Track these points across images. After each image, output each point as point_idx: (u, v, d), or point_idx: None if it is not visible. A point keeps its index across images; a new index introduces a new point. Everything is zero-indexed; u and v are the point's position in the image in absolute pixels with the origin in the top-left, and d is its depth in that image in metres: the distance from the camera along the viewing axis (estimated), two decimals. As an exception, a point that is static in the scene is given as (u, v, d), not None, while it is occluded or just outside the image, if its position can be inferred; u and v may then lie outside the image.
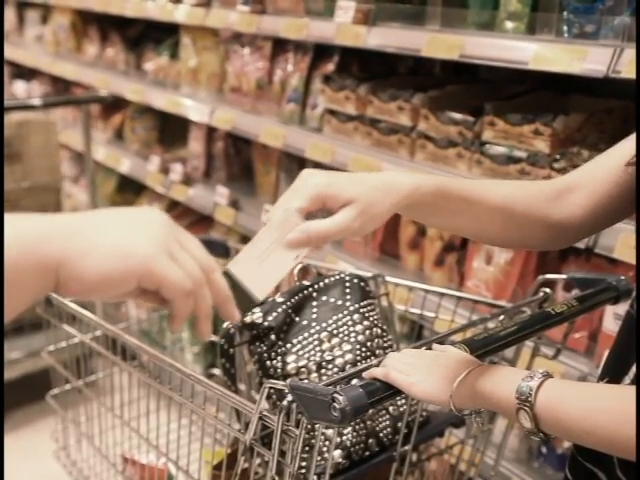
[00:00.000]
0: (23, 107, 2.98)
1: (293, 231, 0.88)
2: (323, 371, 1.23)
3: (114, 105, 3.50)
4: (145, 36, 3.51)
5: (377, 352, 1.27)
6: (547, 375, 0.87)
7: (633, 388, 0.81)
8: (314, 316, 1.29)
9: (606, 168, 1.03)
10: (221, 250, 1.76)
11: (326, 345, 1.25)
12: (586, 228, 1.06)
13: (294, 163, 2.63)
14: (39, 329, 2.73)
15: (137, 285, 0.69)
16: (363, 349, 1.26)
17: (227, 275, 0.87)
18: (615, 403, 0.82)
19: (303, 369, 1.23)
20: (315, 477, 1.09)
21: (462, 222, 1.01)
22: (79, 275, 0.67)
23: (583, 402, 0.84)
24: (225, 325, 1.27)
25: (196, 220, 3.18)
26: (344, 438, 1.19)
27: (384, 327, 1.32)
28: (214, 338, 1.68)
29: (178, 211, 3.27)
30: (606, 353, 1.08)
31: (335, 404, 0.87)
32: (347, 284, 1.33)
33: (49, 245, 0.67)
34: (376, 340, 1.28)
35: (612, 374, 1.00)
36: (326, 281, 1.33)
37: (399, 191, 0.92)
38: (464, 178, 1.55)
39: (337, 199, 0.90)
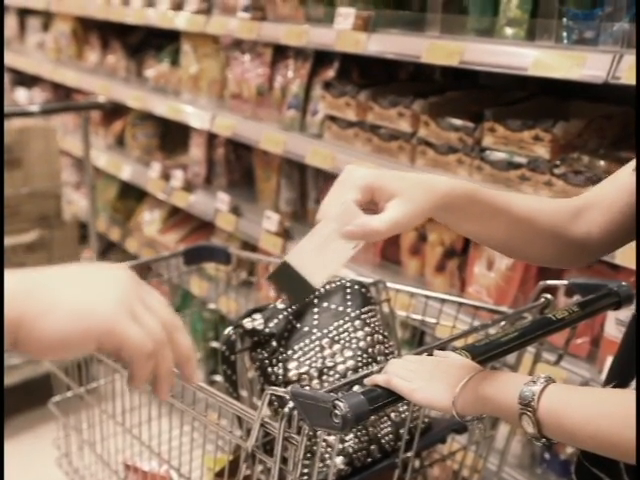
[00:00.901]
0: (22, 114, 2.99)
1: (351, 224, 0.89)
2: (324, 377, 1.23)
3: (115, 112, 3.51)
4: (146, 43, 3.52)
5: (378, 358, 1.27)
6: (550, 380, 0.87)
7: (635, 392, 0.81)
8: (315, 322, 1.29)
9: (619, 184, 1.04)
10: (222, 256, 1.76)
11: (327, 351, 1.25)
12: (604, 246, 1.06)
13: (295, 169, 2.64)
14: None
15: (97, 345, 0.68)
16: (364, 355, 1.26)
17: (286, 265, 0.89)
18: (618, 407, 0.82)
19: (304, 376, 1.23)
20: (317, 484, 1.08)
21: (490, 230, 1.00)
22: (38, 335, 0.66)
23: (586, 407, 0.84)
24: (226, 332, 1.27)
25: (197, 226, 3.18)
26: (346, 445, 1.19)
27: (385, 333, 1.32)
28: (215, 345, 1.68)
29: (179, 217, 3.28)
30: (609, 358, 1.09)
31: (336, 411, 0.87)
32: (348, 290, 1.33)
33: (10, 302, 0.65)
34: (377, 346, 1.28)
35: (619, 379, 1.00)
36: (327, 287, 1.33)
37: (437, 190, 0.93)
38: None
39: (383, 191, 0.90)
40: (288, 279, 0.89)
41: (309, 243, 0.90)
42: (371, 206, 0.92)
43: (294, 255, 0.90)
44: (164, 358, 0.72)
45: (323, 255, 0.90)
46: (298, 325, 1.28)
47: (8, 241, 2.91)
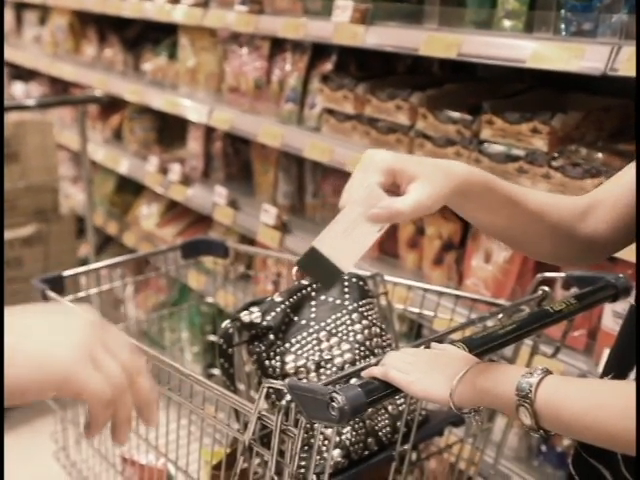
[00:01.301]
0: (18, 107, 2.99)
1: (376, 207, 0.90)
2: (322, 370, 1.23)
3: (112, 106, 3.50)
4: (143, 37, 3.51)
5: (376, 351, 1.27)
6: (547, 372, 0.87)
7: (633, 383, 0.81)
8: (313, 315, 1.29)
9: (623, 181, 1.04)
10: (220, 250, 1.76)
11: (325, 344, 1.25)
12: (611, 244, 1.06)
13: (292, 163, 2.63)
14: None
15: (57, 392, 0.68)
16: (362, 348, 1.26)
17: (314, 251, 0.90)
18: (615, 399, 0.82)
19: (302, 368, 1.23)
20: (314, 477, 1.09)
21: (503, 222, 1.00)
22: None
23: (583, 398, 0.84)
24: (224, 325, 1.27)
25: (195, 220, 3.18)
26: (343, 437, 1.19)
27: (383, 326, 1.32)
28: (213, 338, 1.68)
29: (177, 211, 3.27)
30: (606, 350, 1.09)
31: (334, 403, 0.87)
32: (346, 283, 1.33)
33: None
34: (375, 339, 1.28)
35: (616, 370, 1.00)
36: (325, 280, 1.33)
37: (456, 174, 0.93)
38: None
39: (404, 173, 0.91)
40: (316, 265, 0.90)
41: (335, 228, 0.91)
42: (393, 188, 0.92)
43: (321, 240, 0.91)
44: (123, 404, 0.71)
45: (350, 239, 0.91)
46: (295, 318, 1.28)
47: (5, 235, 2.91)
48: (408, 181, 0.91)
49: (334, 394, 0.87)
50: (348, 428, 1.19)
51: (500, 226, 1.02)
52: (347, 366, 1.23)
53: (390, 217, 0.90)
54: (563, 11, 1.61)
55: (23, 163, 3.01)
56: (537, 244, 1.06)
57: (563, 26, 1.62)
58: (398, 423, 1.23)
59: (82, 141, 2.96)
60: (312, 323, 1.28)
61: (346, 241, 0.91)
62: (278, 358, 1.24)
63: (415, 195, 0.90)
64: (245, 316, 1.27)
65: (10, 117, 2.96)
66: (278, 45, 2.58)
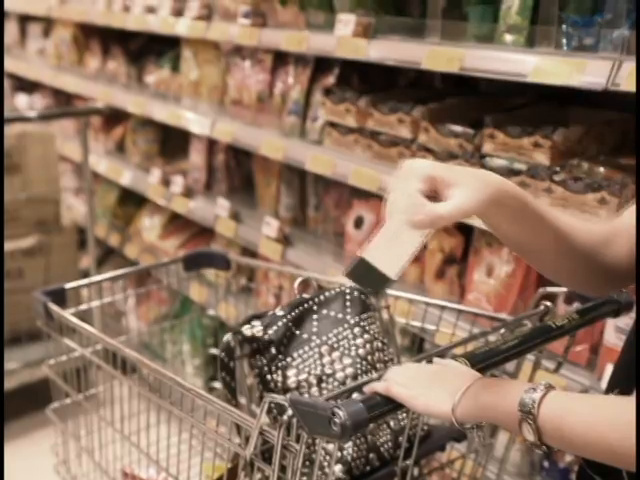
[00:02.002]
0: (19, 119, 3.00)
1: (419, 213, 0.92)
2: (324, 385, 1.23)
3: (115, 118, 3.52)
4: (146, 49, 3.53)
5: (378, 366, 1.26)
6: (550, 387, 0.87)
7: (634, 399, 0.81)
8: (314, 329, 1.28)
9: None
10: (222, 262, 1.76)
11: (326, 359, 1.25)
12: (631, 277, 1.05)
13: (295, 175, 2.64)
14: (36, 340, 2.74)
15: None
16: (364, 363, 1.25)
17: (361, 260, 0.94)
18: (619, 414, 0.82)
19: (303, 383, 1.23)
20: (316, 492, 1.08)
21: (531, 238, 1.00)
22: None
23: (586, 414, 0.84)
24: (225, 338, 1.27)
25: (197, 232, 3.18)
26: (345, 453, 1.19)
27: (385, 340, 1.32)
28: (215, 351, 1.68)
29: (179, 223, 3.27)
30: (609, 366, 1.08)
31: (335, 419, 0.87)
32: (347, 297, 1.33)
33: None
34: (377, 354, 1.28)
35: (620, 386, 0.99)
36: (326, 294, 1.33)
37: (492, 183, 0.95)
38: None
39: (443, 180, 0.93)
40: (366, 274, 0.94)
41: (381, 237, 0.95)
42: (432, 195, 0.94)
43: (368, 250, 0.95)
44: None
45: (395, 246, 0.94)
46: (297, 332, 1.28)
47: (6, 246, 2.91)
48: (447, 188, 0.93)
49: (336, 409, 0.87)
50: (350, 443, 1.19)
51: (526, 241, 1.02)
52: (349, 380, 1.22)
53: (432, 222, 0.92)
54: (564, 26, 1.62)
55: (25, 174, 3.02)
56: (559, 265, 1.05)
57: (564, 41, 1.62)
58: (400, 438, 1.23)
59: (84, 153, 2.97)
60: (314, 337, 1.27)
61: (392, 249, 0.94)
62: (280, 372, 1.24)
63: (455, 201, 0.92)
64: (247, 329, 1.26)
65: (12, 128, 2.97)
66: (281, 58, 2.59)
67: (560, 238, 1.01)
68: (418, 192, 0.93)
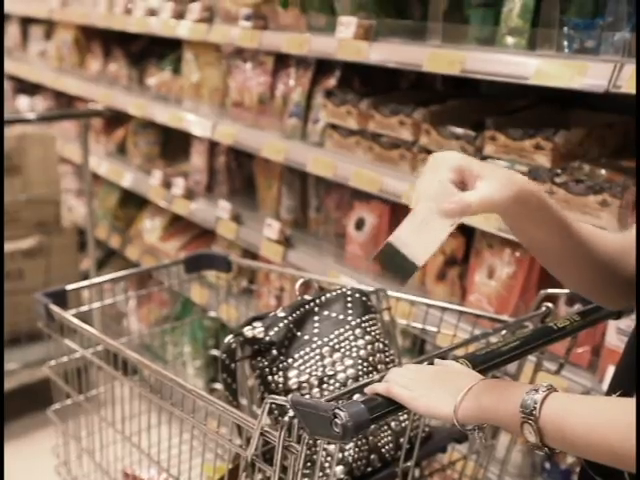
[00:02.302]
0: (19, 121, 3.01)
1: (449, 202, 0.93)
2: (325, 386, 1.23)
3: (117, 120, 3.52)
4: (148, 51, 3.53)
5: (379, 367, 1.27)
6: (551, 388, 0.87)
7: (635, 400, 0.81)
8: (316, 331, 1.28)
9: None
10: (223, 264, 1.76)
11: (328, 360, 1.25)
12: None
13: (296, 177, 2.64)
14: (36, 340, 2.75)
15: None
16: (365, 364, 1.25)
17: (389, 246, 0.95)
18: (620, 416, 0.82)
19: (305, 384, 1.23)
20: (317, 493, 1.08)
21: (552, 241, 1.01)
22: None
23: (588, 415, 0.84)
24: (227, 340, 1.27)
25: (198, 234, 3.18)
26: (346, 454, 1.19)
27: (386, 342, 1.32)
28: (216, 353, 1.68)
29: (180, 225, 3.28)
30: (610, 367, 1.08)
31: (337, 420, 0.87)
32: (349, 298, 1.33)
33: None
34: (378, 355, 1.28)
35: (625, 386, 0.99)
36: (328, 296, 1.33)
37: (518, 181, 0.95)
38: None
39: (472, 172, 0.95)
40: (392, 259, 0.95)
41: (410, 224, 0.96)
42: (461, 186, 0.95)
43: (397, 236, 0.96)
44: None
45: (424, 234, 0.95)
46: (298, 333, 1.28)
47: (6, 247, 2.92)
48: (476, 179, 0.94)
49: (337, 410, 0.87)
50: (351, 444, 1.19)
51: (547, 245, 1.02)
52: (350, 382, 1.22)
53: (461, 210, 0.93)
54: (566, 28, 1.62)
55: (25, 176, 3.02)
56: (578, 271, 1.05)
57: (566, 43, 1.62)
58: (401, 439, 1.23)
59: (84, 154, 2.97)
60: (315, 338, 1.27)
61: (420, 236, 0.95)
62: (281, 373, 1.24)
63: (484, 190, 0.93)
64: (248, 331, 1.27)
65: (12, 130, 2.97)
66: (282, 60, 2.59)
67: (581, 245, 1.01)
68: (448, 181, 0.95)
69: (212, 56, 2.95)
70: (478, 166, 0.96)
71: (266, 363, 1.25)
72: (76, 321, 1.41)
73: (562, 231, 1.00)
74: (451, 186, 0.95)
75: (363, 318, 1.31)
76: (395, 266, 0.96)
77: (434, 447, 1.31)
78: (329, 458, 1.15)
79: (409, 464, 1.22)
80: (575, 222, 1.02)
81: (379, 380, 0.98)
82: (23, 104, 4.41)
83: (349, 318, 1.30)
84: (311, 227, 2.62)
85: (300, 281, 1.38)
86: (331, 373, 1.23)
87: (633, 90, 1.42)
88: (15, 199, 2.94)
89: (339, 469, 1.18)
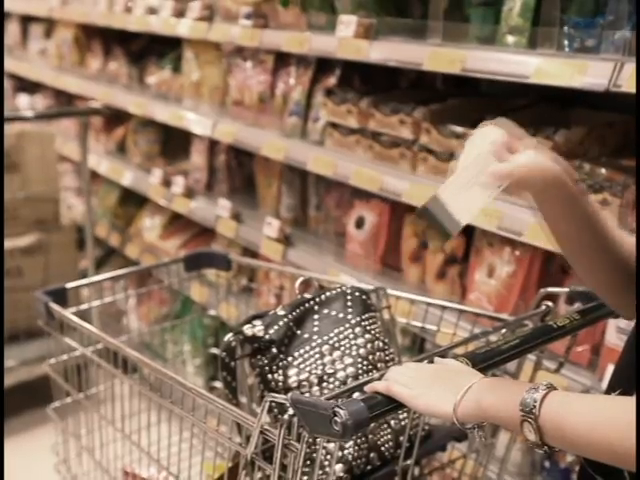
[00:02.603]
0: (17, 118, 3.01)
1: (497, 165, 0.95)
2: (324, 384, 1.23)
3: (117, 118, 3.52)
4: (148, 50, 3.53)
5: (379, 365, 1.27)
6: (551, 387, 0.87)
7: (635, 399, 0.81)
8: (315, 329, 1.28)
9: None
10: (222, 263, 1.76)
11: (327, 358, 1.25)
12: None
13: (296, 176, 2.64)
14: (34, 337, 2.75)
15: None
16: (365, 362, 1.25)
17: (436, 200, 0.96)
18: (620, 415, 0.82)
19: (304, 382, 1.23)
20: (316, 491, 1.08)
21: (582, 234, 1.01)
22: None
23: (588, 414, 0.84)
24: (227, 338, 1.27)
25: (198, 233, 3.18)
26: (345, 452, 1.19)
27: (386, 340, 1.32)
28: (215, 351, 1.68)
29: (180, 224, 3.28)
30: (610, 366, 1.08)
31: (336, 418, 0.87)
32: (348, 297, 1.33)
33: None
34: (378, 353, 1.28)
35: (621, 386, 0.99)
36: (327, 294, 1.33)
37: (561, 163, 0.97)
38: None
39: (523, 140, 0.99)
40: (436, 214, 0.96)
41: (457, 182, 0.97)
42: (506, 156, 0.97)
43: (443, 191, 0.97)
44: None
45: (469, 195, 0.96)
46: (298, 332, 1.28)
47: (5, 244, 2.92)
48: (525, 147, 0.97)
49: (337, 409, 0.87)
50: (350, 443, 1.19)
51: (576, 236, 1.02)
52: (350, 380, 1.22)
53: (509, 172, 0.94)
54: (566, 27, 1.62)
55: (23, 173, 3.02)
56: (603, 274, 1.05)
57: (566, 42, 1.62)
58: (401, 438, 1.23)
59: (83, 153, 2.97)
60: (315, 337, 1.27)
61: (466, 196, 0.96)
62: (281, 372, 1.24)
63: (533, 157, 0.95)
64: (248, 329, 1.27)
65: (11, 128, 2.97)
66: (282, 59, 2.59)
67: (611, 244, 1.02)
68: (498, 144, 0.97)
69: (212, 55, 2.95)
70: (528, 140, 0.99)
71: (266, 361, 1.25)
72: (76, 319, 1.41)
73: (592, 226, 1.01)
74: (501, 148, 0.96)
75: (363, 316, 1.31)
76: (438, 221, 0.96)
77: (434, 445, 1.31)
78: (329, 456, 1.15)
79: (409, 462, 1.22)
80: (608, 221, 1.03)
81: (379, 378, 0.98)
82: (23, 102, 4.41)
83: (349, 316, 1.30)
84: (311, 226, 2.62)
85: (300, 279, 1.38)
86: (331, 371, 1.23)
87: (633, 89, 1.42)
88: (14, 197, 2.94)
89: (339, 467, 1.18)
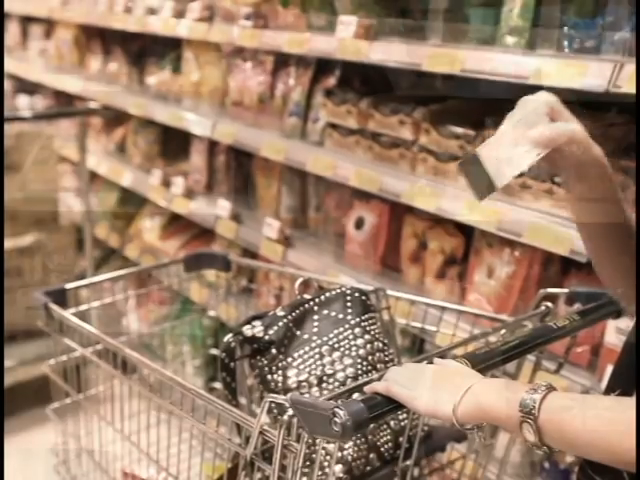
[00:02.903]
0: (15, 119, 3.01)
1: (540, 128, 0.96)
2: (324, 385, 1.23)
3: (116, 119, 3.52)
4: (148, 50, 3.53)
5: (378, 366, 1.26)
6: (550, 388, 0.87)
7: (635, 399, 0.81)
8: (315, 330, 1.28)
9: None
10: (222, 263, 1.76)
11: (327, 359, 1.25)
12: None
13: (296, 177, 2.64)
14: (32, 338, 2.75)
15: None
16: (364, 363, 1.25)
17: (475, 157, 0.95)
18: (620, 415, 0.82)
19: (304, 383, 1.23)
20: (316, 492, 1.08)
21: (607, 228, 1.05)
22: None
23: (587, 414, 0.84)
24: (226, 339, 1.27)
25: (197, 233, 3.18)
26: (345, 453, 1.19)
27: (385, 341, 1.32)
28: (215, 352, 1.68)
29: (179, 224, 3.28)
30: (609, 367, 1.08)
31: (336, 419, 0.86)
32: (348, 298, 1.33)
33: None
34: (377, 354, 1.28)
35: (620, 387, 0.99)
36: (327, 295, 1.33)
37: (596, 145, 1.01)
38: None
39: (564, 113, 1.01)
40: (474, 171, 0.95)
41: (498, 142, 0.96)
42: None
43: (484, 150, 0.96)
44: None
45: (509, 157, 0.95)
46: (298, 332, 1.28)
47: (4, 244, 2.92)
48: (567, 120, 0.99)
49: (336, 409, 0.87)
50: (350, 443, 1.18)
51: (600, 230, 1.05)
52: (349, 381, 1.22)
53: (551, 137, 0.96)
54: (566, 28, 1.62)
55: (22, 173, 3.02)
56: (622, 277, 1.07)
57: (566, 43, 1.62)
58: (400, 438, 1.23)
59: (81, 153, 2.97)
60: (314, 337, 1.27)
61: (505, 157, 0.95)
62: (280, 372, 1.24)
63: (573, 124, 0.98)
64: (247, 330, 1.27)
65: (11, 128, 2.97)
66: (282, 60, 2.59)
67: (628, 232, 1.03)
68: (541, 111, 0.97)
69: (212, 55, 2.95)
70: (569, 115, 1.01)
71: (265, 362, 1.25)
72: (75, 320, 1.41)
73: (615, 214, 1.04)
74: (544, 114, 0.97)
75: (362, 317, 1.31)
76: (475, 180, 0.95)
77: (433, 446, 1.31)
78: (328, 457, 1.15)
79: (408, 463, 1.22)
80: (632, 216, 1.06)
81: (378, 379, 0.98)
82: (23, 103, 4.41)
83: (348, 317, 1.30)
84: (311, 226, 2.62)
85: (299, 280, 1.38)
86: (330, 372, 1.23)
87: (633, 90, 1.42)
88: (13, 197, 2.94)
89: (338, 468, 1.18)
